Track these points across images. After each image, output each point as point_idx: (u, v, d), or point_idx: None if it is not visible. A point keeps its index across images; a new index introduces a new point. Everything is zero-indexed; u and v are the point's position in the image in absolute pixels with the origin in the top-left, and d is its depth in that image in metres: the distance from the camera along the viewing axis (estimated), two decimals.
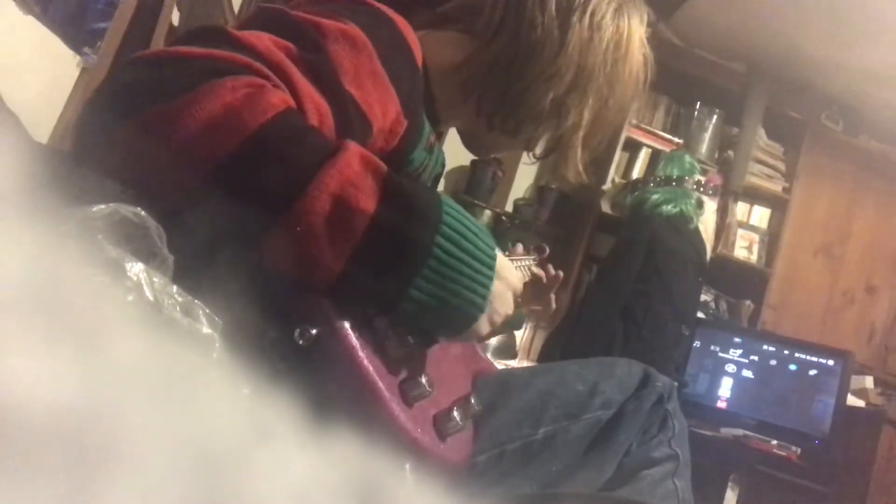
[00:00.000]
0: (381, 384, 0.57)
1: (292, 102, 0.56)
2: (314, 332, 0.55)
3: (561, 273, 1.10)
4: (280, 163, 0.52)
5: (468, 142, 0.98)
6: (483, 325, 0.63)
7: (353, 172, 0.54)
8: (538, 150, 0.96)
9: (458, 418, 0.64)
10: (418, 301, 0.56)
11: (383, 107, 0.69)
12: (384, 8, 0.74)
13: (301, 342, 0.55)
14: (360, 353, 0.56)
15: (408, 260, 0.55)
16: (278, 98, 0.54)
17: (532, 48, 0.83)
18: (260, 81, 0.54)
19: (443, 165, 0.91)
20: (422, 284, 0.56)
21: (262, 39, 0.59)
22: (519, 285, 0.68)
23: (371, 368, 0.57)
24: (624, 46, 0.88)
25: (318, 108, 0.60)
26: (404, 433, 0.58)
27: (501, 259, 0.64)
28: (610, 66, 0.87)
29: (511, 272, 0.66)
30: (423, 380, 0.60)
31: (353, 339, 0.56)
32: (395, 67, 0.70)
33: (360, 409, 0.56)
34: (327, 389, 0.55)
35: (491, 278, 0.60)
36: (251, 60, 0.56)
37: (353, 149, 0.56)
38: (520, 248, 1.07)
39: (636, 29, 0.89)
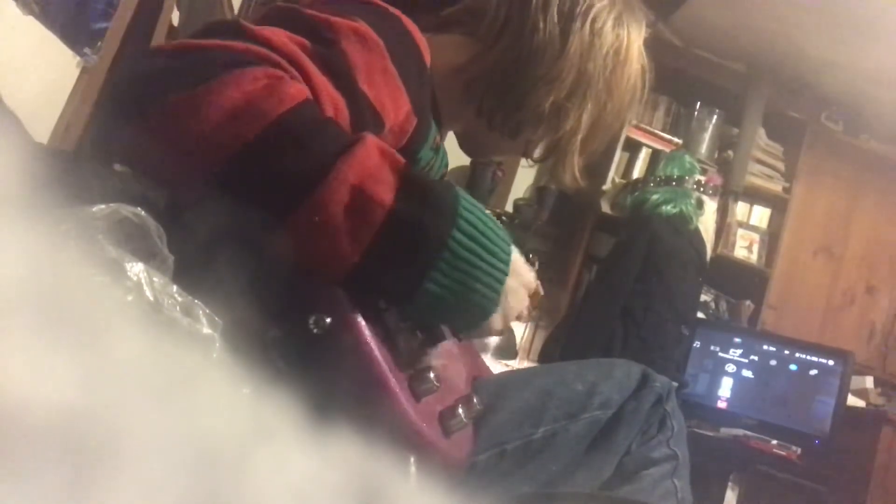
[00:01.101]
0: (390, 376, 0.57)
1: (310, 94, 0.57)
2: (329, 320, 0.55)
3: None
4: (299, 152, 0.53)
5: (466, 144, 0.98)
6: (496, 320, 0.63)
7: (372, 164, 0.54)
8: (536, 153, 0.96)
9: (462, 415, 0.64)
10: (433, 293, 0.56)
11: (395, 104, 0.69)
12: (392, 8, 0.75)
13: (315, 330, 0.55)
14: (372, 345, 0.57)
15: (424, 252, 0.55)
16: (297, 89, 0.55)
17: (534, 52, 0.84)
18: (279, 73, 0.55)
19: (447, 166, 0.92)
20: (437, 277, 0.56)
21: (278, 34, 0.60)
22: (533, 283, 0.68)
23: (381, 360, 0.57)
24: (623, 54, 0.89)
25: (333, 102, 0.61)
26: (411, 426, 0.58)
27: (516, 256, 0.65)
28: (609, 72, 0.88)
29: (525, 269, 0.66)
30: (432, 375, 0.60)
31: (366, 330, 0.57)
32: (404, 66, 0.70)
33: (369, 400, 0.56)
34: (337, 379, 0.55)
35: (506, 273, 0.60)
36: (269, 52, 0.56)
37: (372, 141, 0.56)
38: None
39: (635, 38, 0.91)
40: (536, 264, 1.09)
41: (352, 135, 0.57)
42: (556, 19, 0.85)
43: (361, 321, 0.57)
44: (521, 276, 0.65)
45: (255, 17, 0.69)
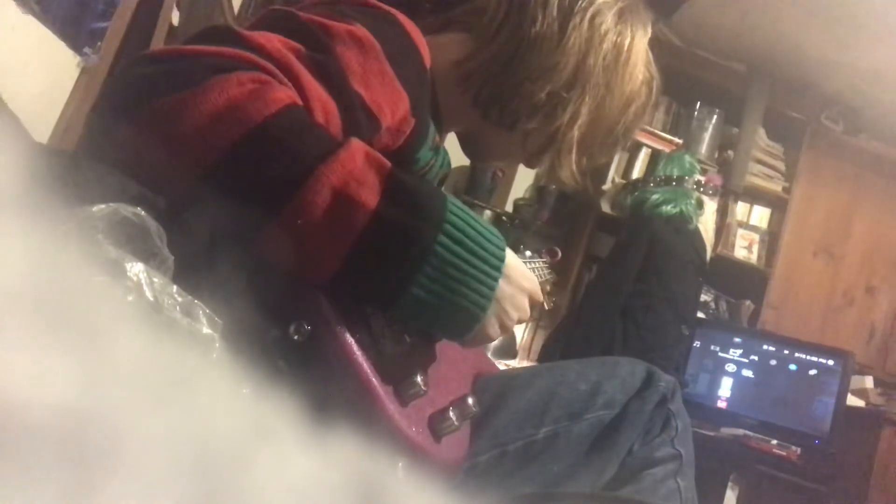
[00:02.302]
0: (375, 382, 0.57)
1: (298, 99, 0.57)
2: (309, 327, 0.55)
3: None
4: (282, 156, 0.53)
5: (467, 146, 0.98)
6: (492, 327, 0.62)
7: (355, 167, 0.54)
8: (533, 145, 0.95)
9: (453, 418, 0.64)
10: (419, 299, 0.56)
11: (392, 105, 0.69)
12: (393, 10, 0.75)
13: (296, 337, 0.55)
14: (355, 350, 0.56)
15: (408, 257, 0.55)
16: (284, 93, 0.55)
17: (531, 43, 0.85)
18: (266, 77, 0.55)
19: (448, 166, 0.92)
20: (423, 282, 0.55)
21: (271, 39, 0.60)
22: (536, 288, 0.68)
23: (365, 366, 0.57)
24: (626, 53, 0.89)
25: (324, 107, 0.61)
26: (398, 431, 0.57)
27: (514, 261, 0.64)
28: (610, 67, 0.88)
29: (525, 275, 0.66)
30: (419, 379, 0.60)
31: (348, 335, 0.56)
32: (402, 68, 0.70)
33: (355, 406, 0.56)
34: (322, 386, 0.55)
35: (496, 279, 0.60)
36: (258, 58, 0.57)
37: (357, 145, 0.56)
38: (527, 252, 1.06)
39: (640, 39, 0.91)
40: (559, 254, 1.08)
41: (336, 139, 0.57)
42: (555, 14, 0.85)
43: (343, 327, 0.56)
44: (519, 281, 0.64)
45: (251, 22, 0.70)
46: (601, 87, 0.88)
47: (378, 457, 0.51)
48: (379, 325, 0.60)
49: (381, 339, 0.59)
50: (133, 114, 0.53)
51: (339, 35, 0.65)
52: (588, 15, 0.86)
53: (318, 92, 0.60)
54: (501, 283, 0.61)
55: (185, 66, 0.54)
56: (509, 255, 0.63)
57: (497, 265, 0.60)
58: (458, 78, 0.87)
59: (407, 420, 0.59)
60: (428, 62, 0.78)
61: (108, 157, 0.53)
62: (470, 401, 0.68)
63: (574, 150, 0.90)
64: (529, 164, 0.99)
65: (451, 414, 0.64)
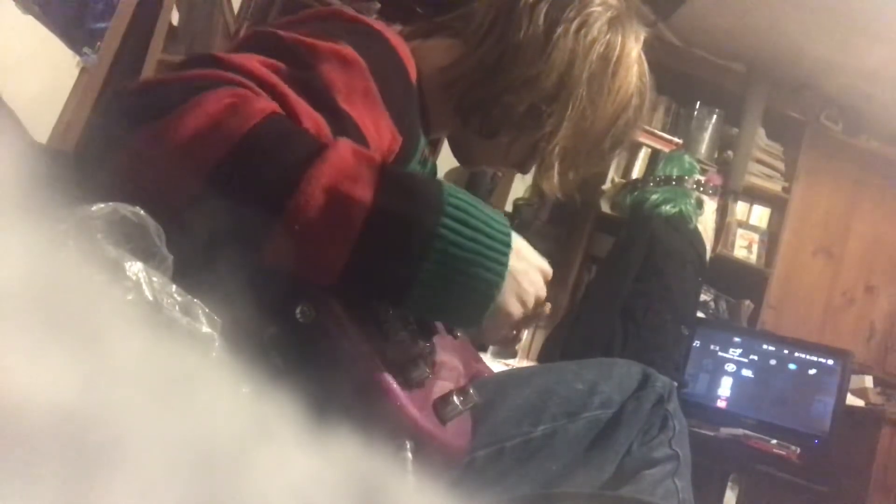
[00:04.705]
0: (380, 363, 0.57)
1: (278, 108, 0.56)
2: (315, 311, 0.55)
3: None
4: (270, 164, 0.53)
5: (456, 150, 0.98)
6: (512, 304, 0.61)
7: (345, 165, 0.54)
8: (517, 156, 0.94)
9: (457, 402, 0.63)
10: (430, 285, 0.55)
11: (375, 124, 0.69)
12: (378, 25, 0.75)
13: (302, 319, 0.55)
14: (361, 333, 0.56)
15: (413, 244, 0.54)
16: (262, 104, 0.54)
17: (515, 51, 0.84)
18: (243, 91, 0.55)
19: (434, 174, 0.92)
20: (432, 268, 0.54)
21: (250, 59, 0.60)
22: (547, 266, 0.67)
23: (371, 348, 0.57)
24: (612, 66, 0.87)
25: (314, 121, 0.60)
26: (405, 413, 0.57)
27: (523, 242, 0.63)
28: (595, 79, 0.86)
29: (533, 253, 0.65)
30: (423, 363, 0.60)
31: (354, 319, 0.57)
32: (387, 85, 0.70)
33: (361, 389, 0.56)
34: (329, 369, 0.55)
35: (506, 254, 0.58)
36: (236, 76, 0.56)
37: (345, 143, 0.56)
38: None
39: (629, 51, 0.89)
40: None
41: (322, 140, 0.56)
42: (540, 22, 0.84)
43: (348, 311, 0.56)
44: (530, 258, 0.63)
45: (235, 44, 0.70)
46: (584, 100, 0.86)
47: (388, 442, 0.50)
48: (383, 310, 0.60)
49: (385, 323, 0.59)
50: (119, 146, 0.53)
51: (323, 53, 0.65)
52: (574, 25, 0.85)
53: (305, 107, 0.60)
54: (513, 258, 0.59)
55: (164, 92, 0.55)
56: (517, 236, 0.62)
57: (505, 241, 0.58)
58: (444, 84, 0.86)
59: (413, 402, 0.58)
60: (414, 77, 0.78)
61: (106, 191, 0.53)
62: (472, 391, 0.68)
63: (557, 164, 0.88)
64: (520, 171, 0.98)
65: (454, 398, 0.63)
